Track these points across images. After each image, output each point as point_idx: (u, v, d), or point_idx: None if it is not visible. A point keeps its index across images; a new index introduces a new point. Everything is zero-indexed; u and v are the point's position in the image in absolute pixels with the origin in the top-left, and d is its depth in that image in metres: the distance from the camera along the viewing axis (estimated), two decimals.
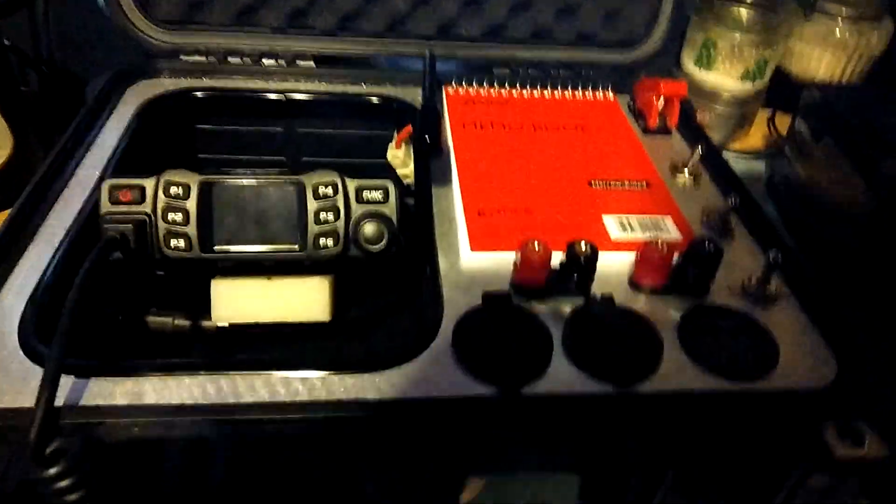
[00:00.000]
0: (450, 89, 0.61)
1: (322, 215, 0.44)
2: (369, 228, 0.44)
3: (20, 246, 0.41)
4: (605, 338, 0.38)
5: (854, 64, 0.86)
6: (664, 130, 0.59)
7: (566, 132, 0.57)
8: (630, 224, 0.47)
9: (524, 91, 0.62)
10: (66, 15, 0.80)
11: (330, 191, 0.44)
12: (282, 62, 0.61)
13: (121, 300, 0.46)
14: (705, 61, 0.85)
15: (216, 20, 0.59)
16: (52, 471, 0.28)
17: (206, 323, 0.48)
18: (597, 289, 0.41)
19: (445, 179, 0.51)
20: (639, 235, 0.46)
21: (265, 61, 0.61)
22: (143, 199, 0.42)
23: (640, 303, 0.42)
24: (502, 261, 0.43)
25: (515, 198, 0.48)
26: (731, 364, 0.38)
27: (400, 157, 0.58)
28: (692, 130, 0.59)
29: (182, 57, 0.60)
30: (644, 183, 0.51)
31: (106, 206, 0.42)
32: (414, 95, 0.61)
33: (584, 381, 0.36)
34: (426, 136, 0.45)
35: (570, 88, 0.63)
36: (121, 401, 0.33)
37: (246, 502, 0.44)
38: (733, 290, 0.43)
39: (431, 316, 0.39)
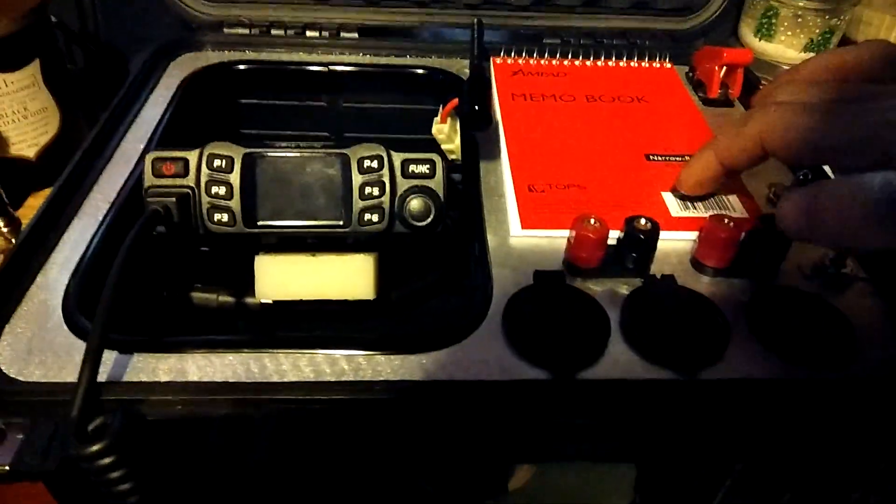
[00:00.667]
0: (497, 59, 0.58)
1: (367, 189, 0.43)
2: (416, 204, 0.42)
3: (65, 220, 0.40)
4: (667, 321, 0.36)
5: None
6: (726, 102, 0.56)
7: (621, 103, 0.54)
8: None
9: (575, 61, 0.59)
10: None
11: (375, 164, 0.43)
12: (325, 34, 0.60)
13: (165, 275, 0.46)
14: (766, 31, 0.80)
15: None
16: (95, 447, 0.28)
17: (249, 299, 0.47)
18: (656, 270, 0.39)
19: (493, 153, 0.49)
20: (701, 213, 0.43)
21: (308, 33, 0.59)
22: (186, 173, 0.41)
23: (704, 284, 0.39)
24: (554, 239, 0.41)
25: (568, 172, 0.46)
26: (806, 351, 0.35)
27: (445, 132, 0.56)
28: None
29: (225, 29, 0.59)
30: None
31: (150, 179, 0.41)
32: (460, 67, 0.59)
33: (644, 366, 0.34)
34: (475, 105, 0.42)
35: (625, 59, 0.60)
36: (163, 377, 0.32)
37: (288, 482, 0.43)
38: (804, 272, 0.40)
39: (480, 296, 0.37)
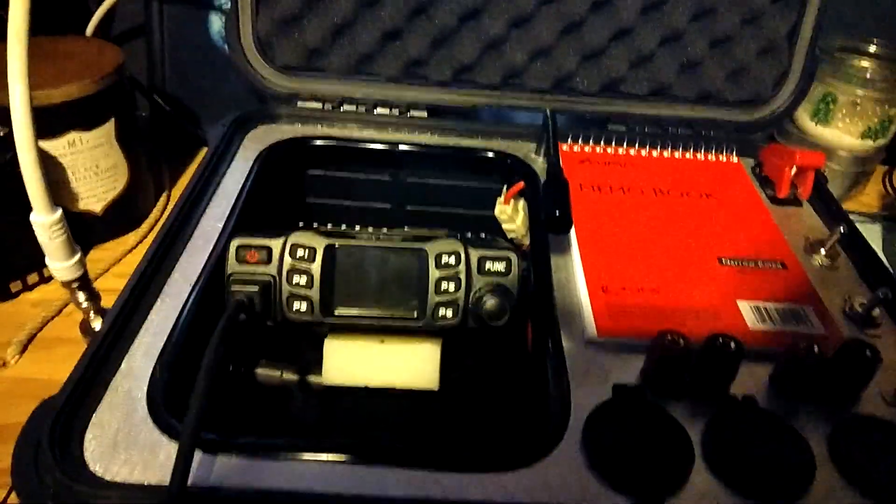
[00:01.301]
0: (563, 146, 0.59)
1: (443, 285, 0.43)
2: (491, 304, 0.42)
3: (147, 303, 0.41)
4: (750, 447, 0.35)
5: None
6: (795, 202, 0.55)
7: (689, 199, 0.54)
8: (768, 313, 0.43)
9: (642, 150, 0.60)
10: (180, 46, 0.82)
11: (452, 260, 0.43)
12: (395, 111, 0.61)
13: (234, 353, 0.46)
14: (823, 116, 0.80)
15: (334, 68, 0.59)
16: None
17: (313, 379, 0.47)
18: (734, 385, 0.39)
19: (563, 246, 0.49)
20: (778, 327, 0.43)
21: (378, 110, 0.61)
22: (269, 260, 0.42)
23: (782, 406, 0.39)
24: (629, 346, 0.41)
25: (641, 274, 0.46)
26: (892, 489, 0.34)
27: (507, 213, 0.57)
28: (826, 204, 0.55)
29: (299, 103, 0.60)
30: (780, 263, 0.48)
31: (233, 265, 0.41)
32: (522, 149, 0.59)
33: (729, 497, 0.33)
34: (555, 210, 0.43)
35: (691, 149, 0.60)
36: (251, 483, 0.32)
37: None
38: (886, 398, 0.40)
39: (559, 409, 0.37)
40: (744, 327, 0.42)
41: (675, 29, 0.59)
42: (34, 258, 0.60)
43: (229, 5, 0.73)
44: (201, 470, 0.32)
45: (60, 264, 0.41)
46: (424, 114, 0.61)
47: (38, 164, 0.37)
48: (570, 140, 0.60)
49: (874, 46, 0.81)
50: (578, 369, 0.39)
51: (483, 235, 0.61)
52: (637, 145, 0.60)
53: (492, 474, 0.34)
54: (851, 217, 0.60)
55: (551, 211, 0.43)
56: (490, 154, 0.58)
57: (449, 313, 0.43)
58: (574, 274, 0.46)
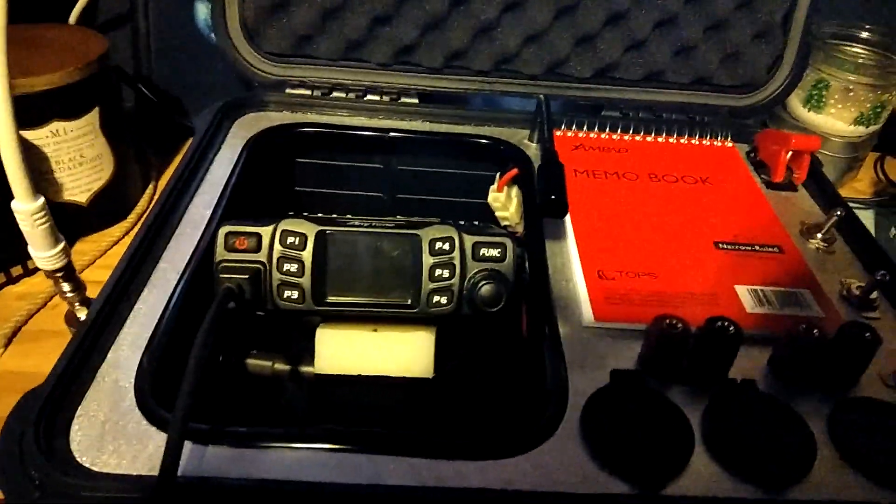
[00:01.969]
0: (557, 132, 0.58)
1: (437, 272, 0.42)
2: (487, 290, 0.41)
3: (134, 291, 0.40)
4: (750, 431, 0.35)
5: None
6: (790, 186, 0.55)
7: (685, 184, 0.53)
8: (766, 297, 0.43)
9: (636, 136, 0.59)
10: (165, 34, 0.81)
11: (447, 246, 0.42)
12: (385, 98, 0.60)
13: (223, 343, 0.45)
14: (815, 103, 0.80)
15: (323, 54, 0.58)
16: None
17: (305, 369, 0.46)
18: (733, 369, 0.38)
19: (558, 232, 0.48)
20: (776, 311, 0.42)
21: (369, 96, 0.60)
22: (258, 248, 0.41)
23: (781, 389, 0.38)
24: (627, 331, 0.40)
25: (637, 259, 0.45)
26: (893, 470, 0.34)
27: (501, 200, 0.56)
28: (822, 188, 0.55)
29: (287, 90, 0.59)
30: (776, 248, 0.47)
31: (221, 253, 0.40)
32: (515, 136, 0.59)
33: (729, 482, 0.33)
34: (551, 195, 0.42)
35: (685, 134, 0.59)
36: (242, 473, 0.31)
37: None
38: (886, 381, 0.39)
39: (556, 393, 0.36)
40: (742, 311, 0.42)
41: (670, 13, 0.59)
42: (18, 250, 0.58)
43: None
44: (191, 460, 0.32)
45: (44, 253, 0.40)
46: (416, 100, 0.60)
47: (19, 149, 0.36)
48: (563, 126, 0.59)
49: (866, 33, 0.81)
50: (576, 355, 0.39)
51: (476, 223, 0.61)
52: (631, 131, 0.59)
53: (490, 461, 0.33)
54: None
55: (547, 195, 0.42)
56: (483, 140, 0.58)
57: (443, 300, 0.43)
58: (570, 259, 0.46)
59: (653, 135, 0.59)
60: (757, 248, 0.47)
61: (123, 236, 0.67)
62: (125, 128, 0.69)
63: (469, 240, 0.43)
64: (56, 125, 0.60)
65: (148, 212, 0.45)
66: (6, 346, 0.54)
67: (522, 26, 0.59)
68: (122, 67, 0.79)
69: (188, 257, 0.42)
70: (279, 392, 0.48)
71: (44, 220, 0.39)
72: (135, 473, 0.31)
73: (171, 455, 0.29)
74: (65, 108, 0.60)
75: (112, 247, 0.66)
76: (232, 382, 0.45)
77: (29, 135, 0.59)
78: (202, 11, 0.78)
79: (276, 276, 0.41)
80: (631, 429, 0.34)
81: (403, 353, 0.45)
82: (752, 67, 0.61)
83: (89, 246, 0.65)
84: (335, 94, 0.59)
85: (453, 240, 0.42)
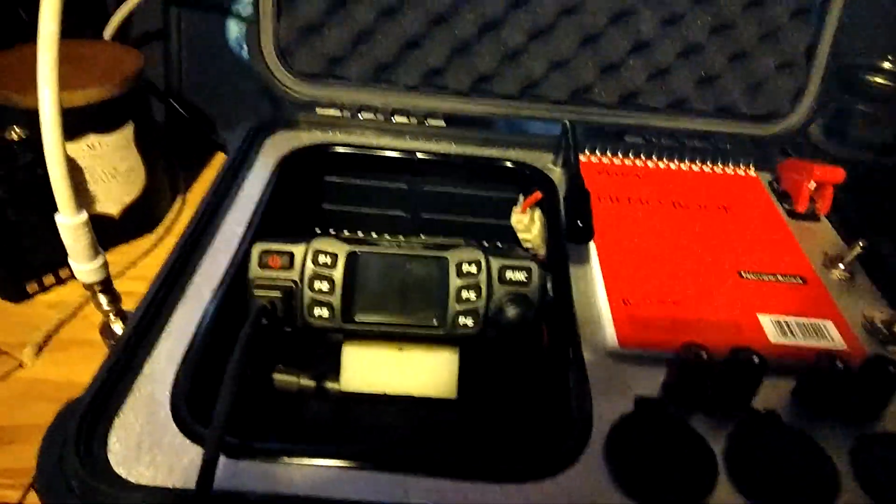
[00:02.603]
0: (581, 157, 0.59)
1: (464, 293, 0.43)
2: (512, 313, 0.42)
3: (169, 307, 0.41)
4: (774, 462, 0.35)
5: None
6: (812, 216, 0.55)
7: (708, 212, 0.54)
8: (789, 327, 0.43)
9: (659, 162, 0.60)
10: (197, 51, 0.83)
11: (474, 269, 0.43)
12: (412, 119, 0.61)
13: (253, 357, 0.46)
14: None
15: (354, 75, 0.60)
16: None
17: (330, 385, 0.47)
18: (756, 399, 0.38)
19: (583, 257, 0.49)
20: (800, 341, 0.43)
21: (396, 118, 0.61)
22: (291, 266, 0.42)
23: (805, 421, 0.38)
24: (650, 358, 0.41)
25: (662, 286, 0.46)
26: None
27: (524, 223, 0.57)
28: (844, 219, 0.55)
29: (318, 110, 0.60)
30: (799, 278, 0.48)
31: (255, 270, 0.42)
32: (539, 160, 0.60)
33: None
34: (577, 221, 0.43)
35: (707, 162, 0.60)
36: (270, 488, 0.32)
37: None
38: None
39: (581, 418, 0.37)
40: (765, 341, 0.42)
41: (694, 43, 0.59)
42: (50, 260, 0.60)
43: (247, 12, 0.74)
44: (224, 474, 0.32)
45: (85, 266, 0.42)
46: (442, 122, 0.61)
47: (66, 166, 0.37)
48: (587, 151, 0.60)
49: (888, 63, 0.81)
50: (600, 380, 0.39)
51: (499, 245, 0.61)
52: (654, 157, 0.60)
53: (514, 484, 0.33)
54: None
55: (573, 221, 0.43)
56: (507, 164, 0.59)
57: (469, 322, 0.43)
58: (593, 284, 0.46)
59: (675, 162, 0.60)
60: (780, 277, 0.48)
61: (153, 248, 0.68)
62: (157, 142, 0.71)
63: (496, 263, 0.44)
64: (92, 139, 0.62)
65: (179, 227, 0.46)
66: (38, 353, 0.55)
67: (548, 53, 0.60)
68: (153, 82, 0.81)
69: (222, 274, 0.43)
70: (304, 407, 0.49)
71: (86, 233, 0.40)
72: (170, 486, 0.32)
73: (207, 472, 0.30)
74: (101, 123, 0.62)
75: (141, 258, 0.67)
76: (259, 396, 0.46)
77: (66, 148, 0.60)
78: (233, 29, 0.80)
79: (308, 294, 0.42)
80: (655, 457, 0.35)
81: (427, 373, 0.46)
82: (774, 97, 0.62)
83: (119, 257, 0.67)
84: (364, 114, 0.61)
85: (480, 263, 0.43)
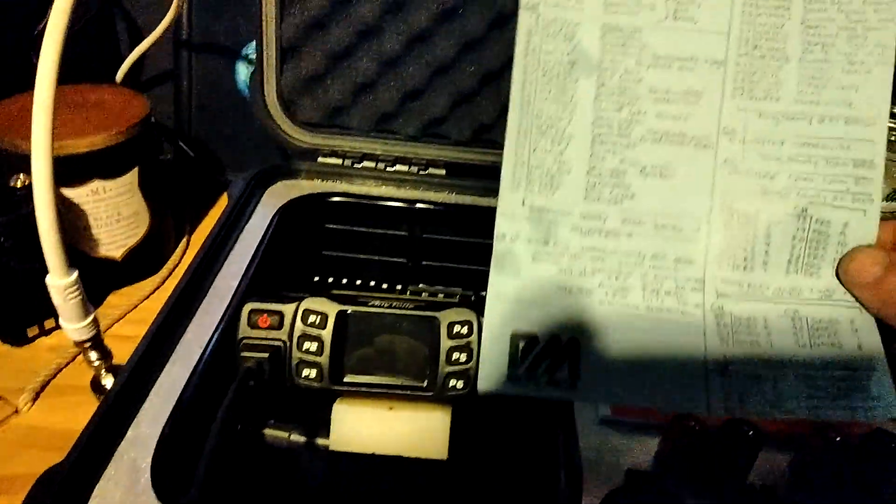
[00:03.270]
0: None
1: (454, 355, 0.42)
2: None
3: (158, 366, 0.41)
4: None
5: None
6: None
7: None
8: None
9: None
10: (207, 93, 0.84)
11: (465, 330, 0.43)
12: (414, 168, 0.61)
13: (242, 414, 0.46)
14: None
15: (355, 125, 0.60)
16: None
17: (321, 441, 0.46)
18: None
19: None
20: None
21: (398, 166, 0.61)
22: (280, 326, 0.42)
23: (803, 497, 0.37)
24: (643, 426, 0.40)
25: None
26: None
27: None
28: None
29: (319, 158, 0.61)
30: None
31: (244, 330, 0.41)
32: None
33: None
34: None
35: None
36: None
37: None
38: None
39: (570, 489, 0.36)
40: None
41: None
42: (51, 304, 0.61)
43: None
44: None
45: (74, 325, 0.42)
46: (443, 171, 0.61)
47: (57, 228, 0.37)
48: None
49: None
50: (590, 449, 0.38)
51: None
52: None
53: None
54: None
55: None
56: None
57: (459, 384, 0.43)
58: None
59: None
60: None
61: (154, 291, 0.69)
62: (162, 185, 0.71)
63: None
64: (96, 184, 0.63)
65: (177, 275, 0.46)
66: (34, 400, 0.55)
67: None
68: (163, 123, 0.83)
69: (212, 331, 0.43)
70: (296, 464, 0.48)
71: (76, 293, 0.40)
72: None
73: None
74: (106, 168, 0.63)
75: (142, 301, 0.67)
76: (249, 452, 0.46)
77: (70, 193, 0.61)
78: (242, 72, 0.82)
79: (296, 354, 0.42)
80: None
81: (418, 433, 0.45)
82: None
83: (121, 299, 0.67)
84: (365, 163, 0.61)
85: (471, 323, 0.43)
